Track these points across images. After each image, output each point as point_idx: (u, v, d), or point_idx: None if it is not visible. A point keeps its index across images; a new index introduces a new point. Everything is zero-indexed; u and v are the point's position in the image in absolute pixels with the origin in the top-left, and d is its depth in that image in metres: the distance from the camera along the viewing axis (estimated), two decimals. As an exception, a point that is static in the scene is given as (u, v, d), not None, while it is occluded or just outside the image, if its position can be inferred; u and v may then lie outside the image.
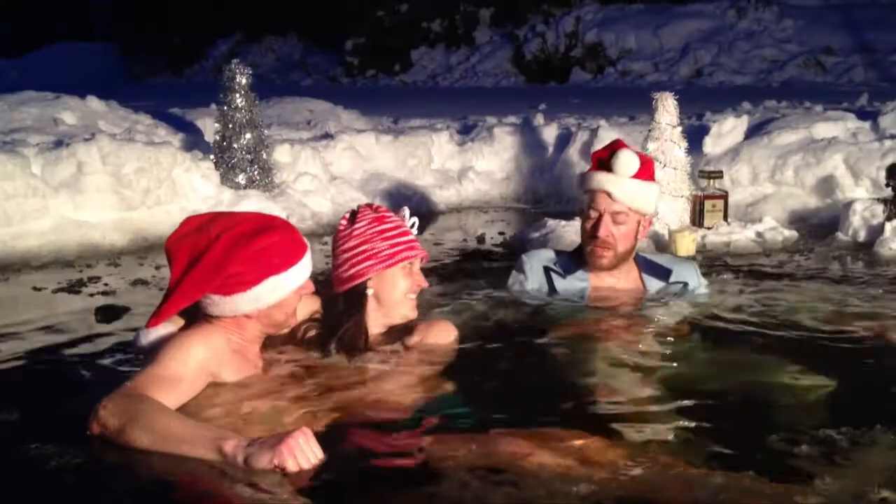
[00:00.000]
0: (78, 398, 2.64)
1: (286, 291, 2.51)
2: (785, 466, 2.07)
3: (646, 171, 3.40)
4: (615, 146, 3.45)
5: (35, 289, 4.34)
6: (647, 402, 2.64)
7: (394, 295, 2.82)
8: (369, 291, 2.80)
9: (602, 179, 3.38)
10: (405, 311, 2.87)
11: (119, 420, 2.16)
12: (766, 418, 2.42)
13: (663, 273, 3.56)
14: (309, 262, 2.58)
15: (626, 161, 3.33)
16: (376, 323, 2.86)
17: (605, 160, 3.41)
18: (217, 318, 2.50)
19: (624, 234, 3.39)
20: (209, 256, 2.40)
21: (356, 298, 2.80)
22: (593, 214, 3.40)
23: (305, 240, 2.61)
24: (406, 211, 2.93)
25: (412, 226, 2.89)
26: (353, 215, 2.84)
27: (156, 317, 2.44)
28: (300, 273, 2.54)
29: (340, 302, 2.82)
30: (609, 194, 3.36)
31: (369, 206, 2.89)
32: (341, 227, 2.85)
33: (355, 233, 2.80)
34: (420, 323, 2.93)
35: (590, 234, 3.41)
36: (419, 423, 2.40)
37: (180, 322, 2.57)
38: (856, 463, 2.07)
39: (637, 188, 3.37)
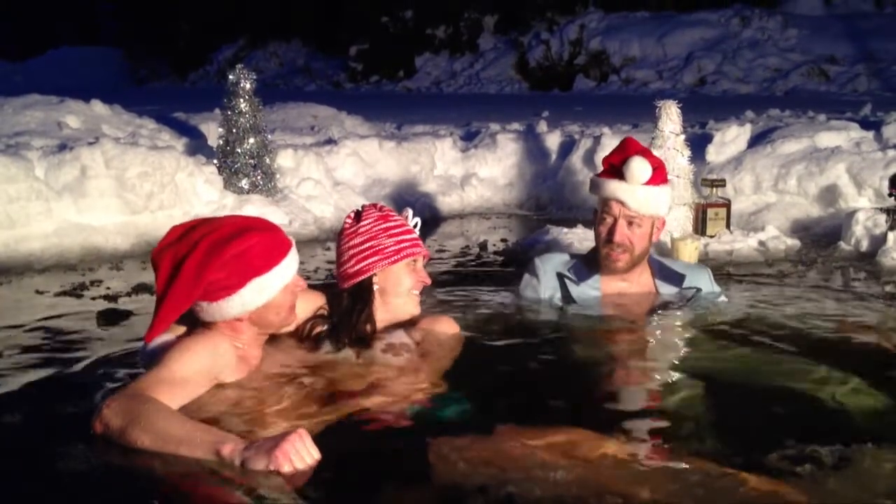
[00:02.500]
0: (79, 401, 2.64)
1: (272, 292, 2.51)
2: (783, 469, 2.06)
3: (658, 175, 3.38)
4: (627, 151, 3.41)
5: (37, 292, 4.35)
6: (649, 403, 2.66)
7: (398, 291, 2.85)
8: (374, 287, 2.82)
9: (615, 188, 3.36)
10: (409, 307, 2.89)
11: (121, 420, 2.16)
12: (766, 422, 2.42)
13: (676, 278, 3.56)
14: (294, 259, 2.57)
15: (639, 169, 3.31)
16: (381, 319, 2.88)
17: (616, 166, 3.37)
18: (213, 324, 2.51)
19: (639, 236, 3.39)
20: (188, 265, 2.40)
21: (362, 294, 2.83)
22: (608, 219, 3.39)
23: (290, 238, 2.61)
24: (409, 211, 2.98)
25: (415, 226, 2.93)
26: (359, 214, 2.88)
27: (151, 331, 2.46)
28: (285, 272, 2.53)
29: (346, 298, 2.84)
30: (622, 203, 3.35)
31: (374, 205, 2.93)
32: (347, 225, 2.88)
33: (361, 230, 2.83)
34: (423, 319, 2.96)
35: (605, 239, 3.40)
36: (421, 423, 2.41)
37: (181, 330, 2.58)
38: (856, 469, 2.06)
39: (650, 195, 3.35)
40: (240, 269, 2.44)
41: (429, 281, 2.93)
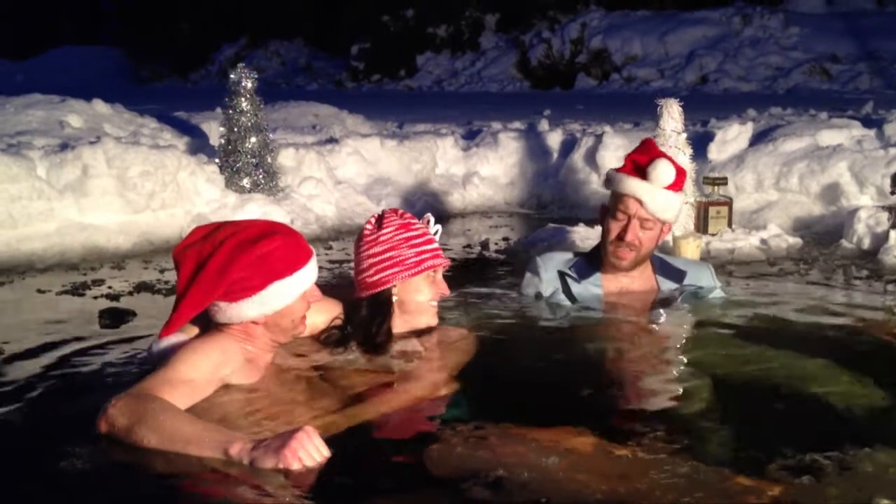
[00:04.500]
0: (81, 401, 2.64)
1: (292, 297, 2.52)
2: (778, 469, 2.05)
3: (678, 182, 3.38)
4: (653, 152, 3.41)
5: (39, 291, 4.35)
6: (648, 399, 2.68)
7: (417, 302, 2.84)
8: (394, 298, 2.81)
9: (637, 187, 3.35)
10: (427, 318, 2.89)
11: (128, 419, 2.17)
12: (764, 421, 2.42)
13: (677, 275, 3.57)
14: (314, 267, 2.59)
15: (664, 173, 3.31)
16: (397, 328, 2.88)
17: (641, 166, 3.37)
18: (227, 327, 2.51)
19: (648, 238, 3.40)
20: (213, 263, 2.42)
21: (381, 305, 2.82)
22: (621, 217, 3.39)
23: (311, 246, 2.62)
24: (430, 217, 2.94)
25: (435, 233, 2.90)
26: (380, 220, 2.85)
27: (167, 327, 2.46)
28: (305, 278, 2.55)
29: (364, 308, 2.83)
30: (641, 202, 3.35)
31: (394, 211, 2.90)
32: (367, 232, 2.85)
33: (382, 238, 2.80)
34: (438, 329, 2.95)
35: (616, 236, 3.40)
36: (427, 423, 2.43)
37: (193, 331, 2.58)
38: (854, 470, 2.05)
39: (668, 199, 3.36)
40: (263, 271, 2.46)
41: (447, 292, 2.92)
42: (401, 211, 2.90)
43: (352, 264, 3.00)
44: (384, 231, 2.81)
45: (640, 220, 3.36)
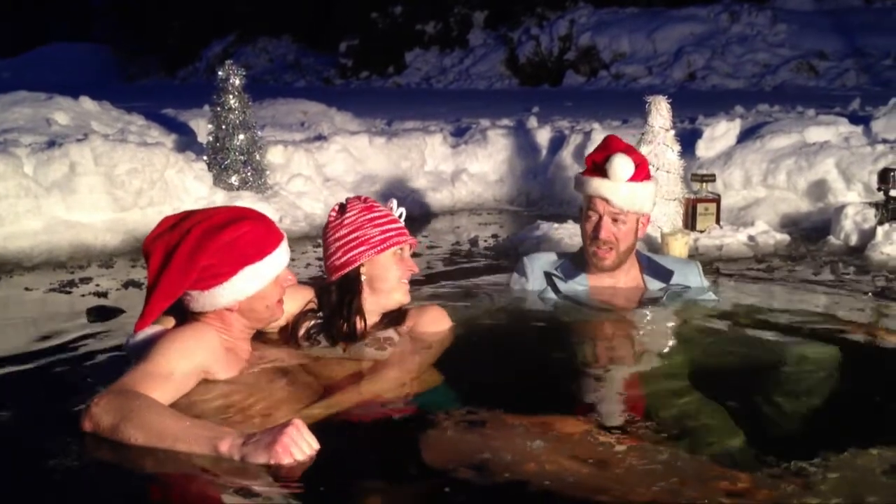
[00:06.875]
0: (69, 399, 2.63)
1: (264, 281, 2.51)
2: (764, 471, 2.05)
3: (641, 172, 3.40)
4: (609, 149, 3.43)
5: (27, 289, 4.34)
6: (631, 392, 2.71)
7: (386, 280, 2.85)
8: (362, 278, 2.82)
9: (598, 186, 3.38)
10: (398, 296, 2.90)
11: (112, 417, 2.15)
12: (746, 415, 2.42)
13: (665, 273, 3.58)
14: (286, 251, 2.58)
15: (622, 166, 3.33)
16: (370, 309, 2.89)
17: (599, 164, 3.40)
18: (202, 315, 2.50)
19: (625, 232, 3.41)
20: (181, 251, 2.40)
21: (350, 285, 2.83)
22: (592, 217, 3.41)
23: (281, 230, 2.61)
24: (394, 202, 2.98)
25: (400, 216, 2.93)
26: (343, 206, 2.89)
27: (141, 320, 2.45)
28: (276, 262, 2.54)
29: (334, 290, 2.84)
30: (606, 200, 3.37)
31: (358, 197, 2.94)
32: (331, 218, 2.88)
33: (346, 221, 2.83)
34: (412, 309, 2.97)
35: (591, 236, 3.42)
36: (409, 413, 2.44)
37: (170, 322, 2.57)
38: (839, 468, 2.06)
39: (633, 191, 3.37)
40: (232, 257, 2.44)
41: (416, 269, 2.94)
42: (364, 196, 2.94)
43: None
44: (348, 215, 2.84)
45: (611, 216, 3.38)
